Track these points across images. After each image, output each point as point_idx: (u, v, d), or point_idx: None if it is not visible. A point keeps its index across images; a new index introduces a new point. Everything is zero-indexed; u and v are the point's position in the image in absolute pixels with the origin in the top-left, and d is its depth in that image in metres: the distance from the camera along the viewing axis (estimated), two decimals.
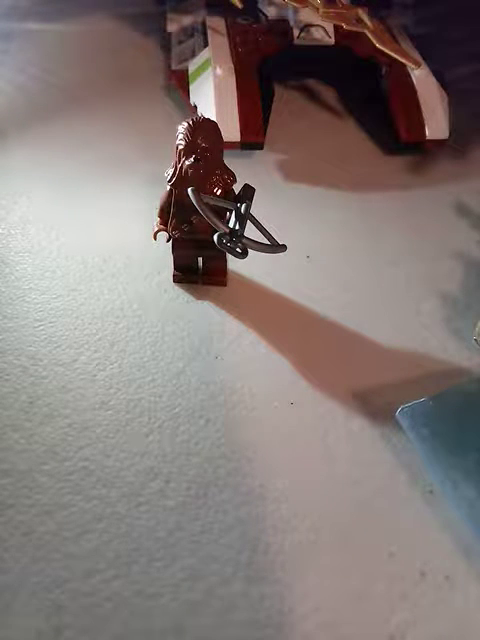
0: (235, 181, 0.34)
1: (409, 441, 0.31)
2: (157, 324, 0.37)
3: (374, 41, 0.48)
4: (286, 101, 0.55)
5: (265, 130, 0.48)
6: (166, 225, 0.36)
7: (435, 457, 0.29)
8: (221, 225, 0.32)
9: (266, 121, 0.49)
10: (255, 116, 0.48)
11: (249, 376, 0.34)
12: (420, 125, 0.48)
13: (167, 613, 0.26)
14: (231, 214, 0.33)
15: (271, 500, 0.29)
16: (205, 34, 0.55)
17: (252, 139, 0.47)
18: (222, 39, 0.53)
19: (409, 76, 0.50)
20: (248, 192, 0.34)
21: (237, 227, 0.32)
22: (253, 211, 0.33)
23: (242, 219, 0.32)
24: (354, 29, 0.49)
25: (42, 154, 0.49)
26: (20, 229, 0.43)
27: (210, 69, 0.50)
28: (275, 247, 0.33)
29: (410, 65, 0.48)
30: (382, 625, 0.26)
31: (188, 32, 0.58)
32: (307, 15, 0.51)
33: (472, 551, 0.27)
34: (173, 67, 0.56)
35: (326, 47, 0.52)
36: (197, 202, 0.31)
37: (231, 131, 0.46)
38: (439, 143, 0.49)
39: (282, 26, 0.53)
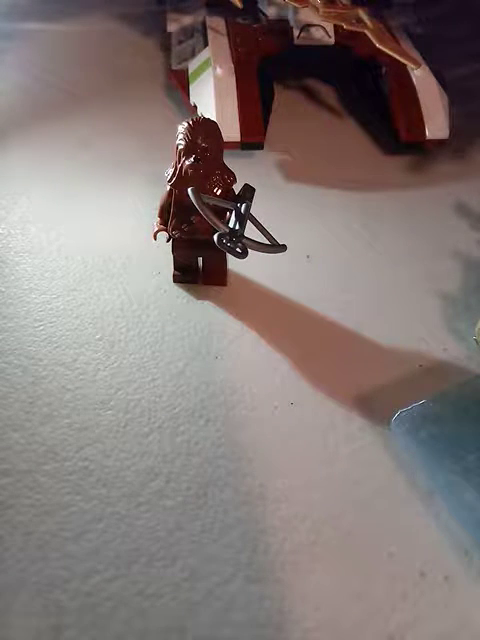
0: (235, 181, 0.34)
1: (406, 447, 0.30)
2: (157, 324, 0.37)
3: (374, 41, 0.48)
4: (286, 101, 0.55)
5: (265, 130, 0.48)
6: (166, 225, 0.36)
7: (433, 461, 0.29)
8: (221, 225, 0.32)
9: (266, 121, 0.49)
10: (255, 116, 0.48)
11: (249, 376, 0.34)
12: (420, 125, 0.48)
13: (167, 613, 0.26)
14: (231, 214, 0.33)
15: (271, 500, 0.29)
16: (205, 34, 0.55)
17: (252, 139, 0.47)
18: (222, 39, 0.53)
19: (409, 76, 0.50)
20: (248, 192, 0.34)
21: (237, 227, 0.32)
22: (253, 211, 0.33)
23: (242, 219, 0.32)
24: (354, 29, 0.49)
25: (42, 154, 0.49)
26: (20, 229, 0.43)
27: (210, 69, 0.50)
28: (275, 247, 0.33)
29: (410, 65, 0.48)
30: (382, 625, 0.26)
31: (188, 32, 0.58)
32: (307, 15, 0.51)
33: (472, 551, 0.27)
34: (173, 67, 0.56)
35: (326, 47, 0.52)
36: (197, 202, 0.31)
37: (231, 131, 0.46)
38: (439, 143, 0.49)
39: (282, 26, 0.53)
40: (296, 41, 0.52)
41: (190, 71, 0.53)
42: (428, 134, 0.48)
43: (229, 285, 0.39)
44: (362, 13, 0.49)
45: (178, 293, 0.39)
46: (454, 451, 0.29)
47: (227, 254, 0.33)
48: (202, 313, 0.38)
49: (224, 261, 0.38)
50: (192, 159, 0.33)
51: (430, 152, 0.50)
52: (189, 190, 0.32)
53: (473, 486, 0.28)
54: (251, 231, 0.33)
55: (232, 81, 0.49)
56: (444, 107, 0.49)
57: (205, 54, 0.52)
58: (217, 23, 0.56)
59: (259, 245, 0.32)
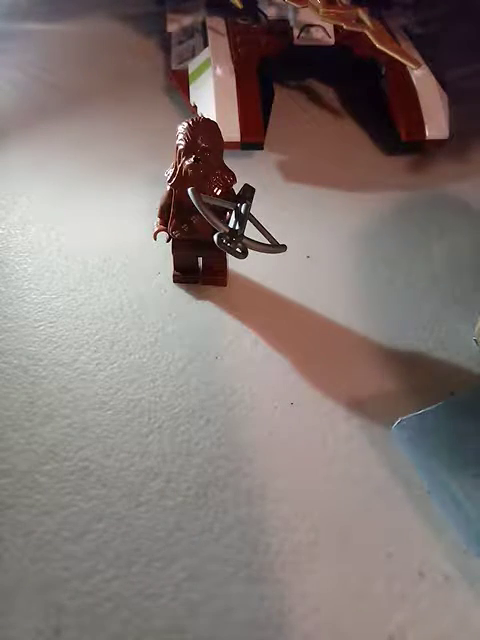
0: (235, 181, 0.34)
1: (407, 454, 0.30)
2: (157, 324, 0.37)
3: (374, 41, 0.48)
4: (286, 101, 0.55)
5: (265, 130, 0.48)
6: (166, 225, 0.36)
7: (434, 471, 0.29)
8: (221, 225, 0.32)
9: (266, 121, 0.49)
10: (255, 116, 0.48)
11: (249, 376, 0.34)
12: (420, 125, 0.48)
13: (167, 613, 0.26)
14: (231, 214, 0.33)
15: (271, 500, 0.29)
16: (205, 34, 0.55)
17: (252, 139, 0.47)
18: (222, 39, 0.53)
19: (409, 76, 0.50)
20: (248, 192, 0.34)
21: (237, 227, 0.32)
22: (253, 211, 0.33)
23: (242, 219, 0.32)
24: (354, 29, 0.49)
25: (42, 154, 0.49)
26: (20, 229, 0.43)
27: (210, 69, 0.50)
28: (275, 247, 0.33)
29: (410, 65, 0.48)
30: (382, 625, 0.26)
31: (188, 32, 0.58)
32: (307, 15, 0.51)
33: (471, 551, 0.27)
34: (173, 67, 0.56)
35: (326, 47, 0.52)
36: (197, 202, 0.31)
37: (231, 131, 0.46)
38: (439, 143, 0.49)
39: (282, 26, 0.53)
40: (296, 41, 0.52)
41: (190, 71, 0.53)
42: (428, 134, 0.48)
43: (229, 285, 0.39)
44: (362, 13, 0.49)
45: (178, 293, 0.39)
46: (457, 462, 0.28)
47: (227, 254, 0.33)
48: (202, 313, 0.38)
49: (224, 261, 0.38)
50: (192, 159, 0.33)
51: (430, 152, 0.50)
52: (189, 190, 0.32)
53: (473, 501, 0.27)
54: (251, 231, 0.33)
55: (232, 81, 0.49)
56: (444, 107, 0.49)
57: (205, 54, 0.52)
58: (217, 23, 0.56)
59: (259, 245, 0.32)
